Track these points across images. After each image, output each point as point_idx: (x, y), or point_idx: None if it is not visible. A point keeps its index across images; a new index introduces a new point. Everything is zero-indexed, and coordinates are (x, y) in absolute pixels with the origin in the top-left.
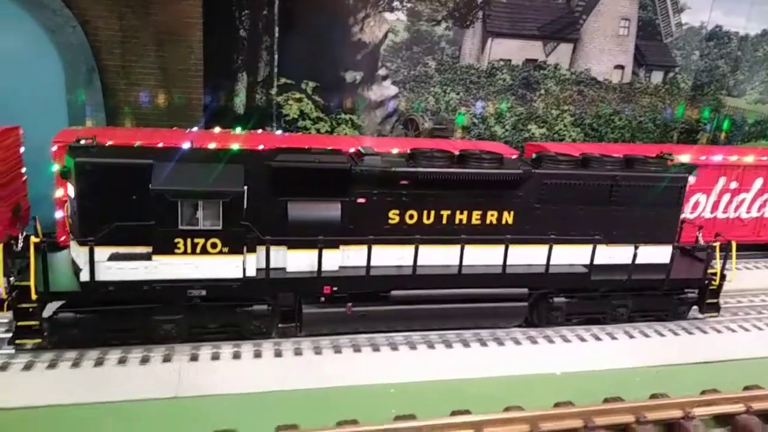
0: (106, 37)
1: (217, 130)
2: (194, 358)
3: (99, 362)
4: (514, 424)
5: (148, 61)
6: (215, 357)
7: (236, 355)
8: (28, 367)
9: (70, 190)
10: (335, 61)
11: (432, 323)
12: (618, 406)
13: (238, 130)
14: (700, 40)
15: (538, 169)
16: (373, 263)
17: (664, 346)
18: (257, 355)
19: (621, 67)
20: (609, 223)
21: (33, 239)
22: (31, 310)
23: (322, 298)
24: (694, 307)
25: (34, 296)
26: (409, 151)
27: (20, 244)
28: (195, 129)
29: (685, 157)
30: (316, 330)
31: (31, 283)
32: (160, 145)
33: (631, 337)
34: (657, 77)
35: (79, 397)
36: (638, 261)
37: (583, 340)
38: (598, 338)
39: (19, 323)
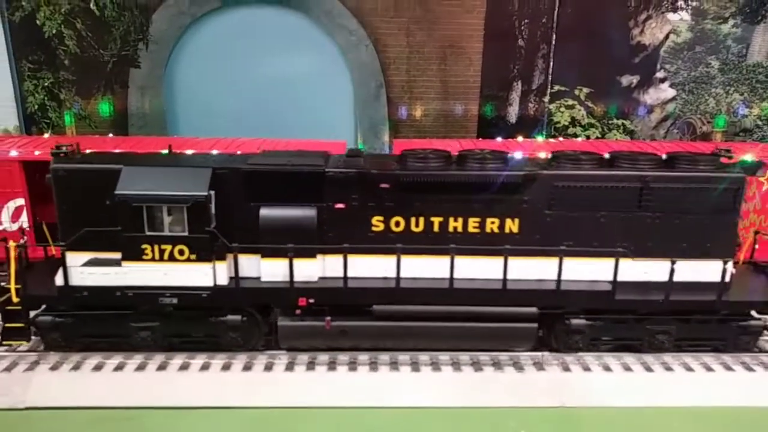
0: (394, 53)
1: (520, 139)
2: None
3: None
4: None
5: (430, 75)
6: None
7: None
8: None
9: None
10: (611, 65)
11: (421, 343)
12: None
13: (540, 138)
14: None
15: (547, 170)
16: (355, 274)
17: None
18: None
19: None
20: (640, 232)
21: (11, 243)
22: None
23: (298, 311)
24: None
25: (14, 299)
26: (401, 152)
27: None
28: (499, 139)
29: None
30: (293, 344)
31: (11, 285)
32: None
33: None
34: None
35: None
36: (680, 279)
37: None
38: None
39: (6, 324)
